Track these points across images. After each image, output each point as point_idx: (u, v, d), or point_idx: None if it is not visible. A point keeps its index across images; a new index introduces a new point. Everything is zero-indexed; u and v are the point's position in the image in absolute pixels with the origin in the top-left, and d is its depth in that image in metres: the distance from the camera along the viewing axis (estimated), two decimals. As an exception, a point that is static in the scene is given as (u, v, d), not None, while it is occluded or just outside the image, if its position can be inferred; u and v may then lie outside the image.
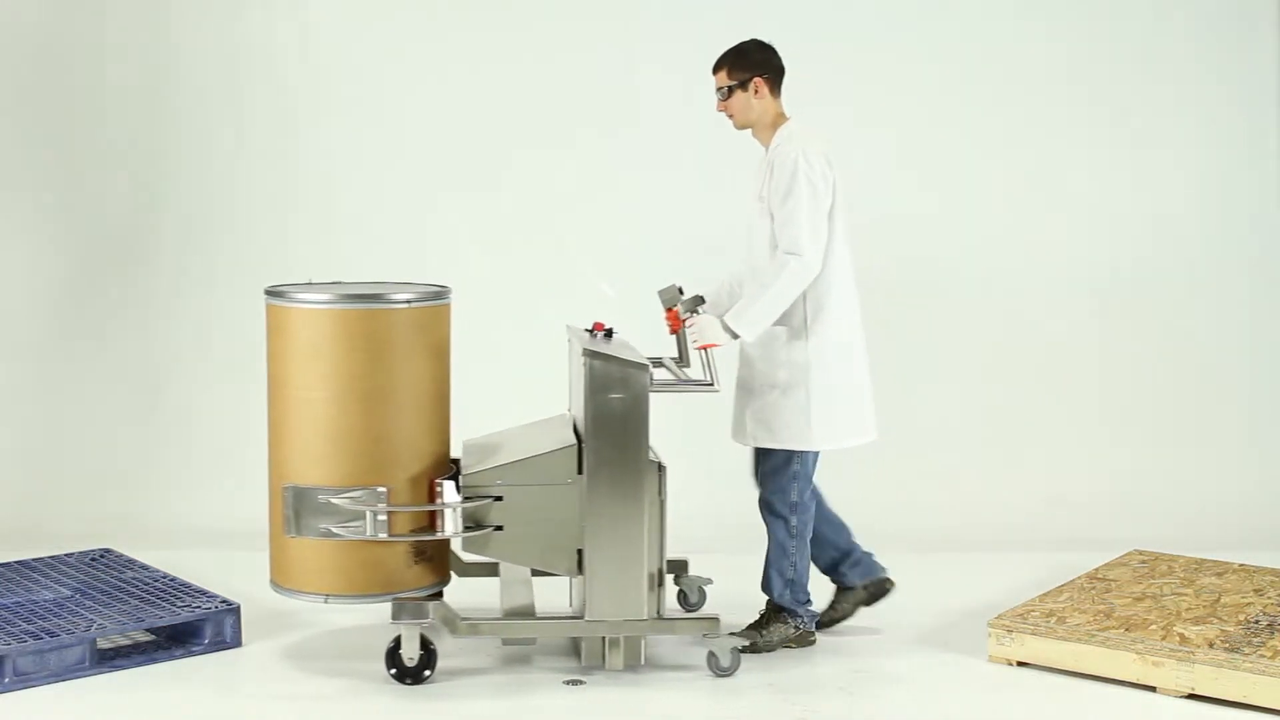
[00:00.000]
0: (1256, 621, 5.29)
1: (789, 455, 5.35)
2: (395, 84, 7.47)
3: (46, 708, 4.94)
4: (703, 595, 5.94)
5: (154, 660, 5.32)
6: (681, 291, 5.34)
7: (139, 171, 7.48)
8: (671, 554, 5.94)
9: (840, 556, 5.63)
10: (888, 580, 5.66)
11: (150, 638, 5.49)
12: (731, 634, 5.42)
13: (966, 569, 6.54)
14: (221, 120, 7.49)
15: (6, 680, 5.04)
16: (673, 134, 7.42)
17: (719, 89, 5.41)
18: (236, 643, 5.48)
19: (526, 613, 5.22)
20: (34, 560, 6.17)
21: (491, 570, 5.69)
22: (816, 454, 5.42)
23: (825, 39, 7.41)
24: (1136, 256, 7.49)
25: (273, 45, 7.48)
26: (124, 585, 5.80)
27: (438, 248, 7.41)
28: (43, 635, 5.18)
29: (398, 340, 5.10)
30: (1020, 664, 5.29)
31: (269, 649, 5.44)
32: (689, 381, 5.30)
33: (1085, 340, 7.48)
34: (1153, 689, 5.01)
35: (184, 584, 5.78)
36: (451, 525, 5.06)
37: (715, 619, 5.20)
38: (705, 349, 5.22)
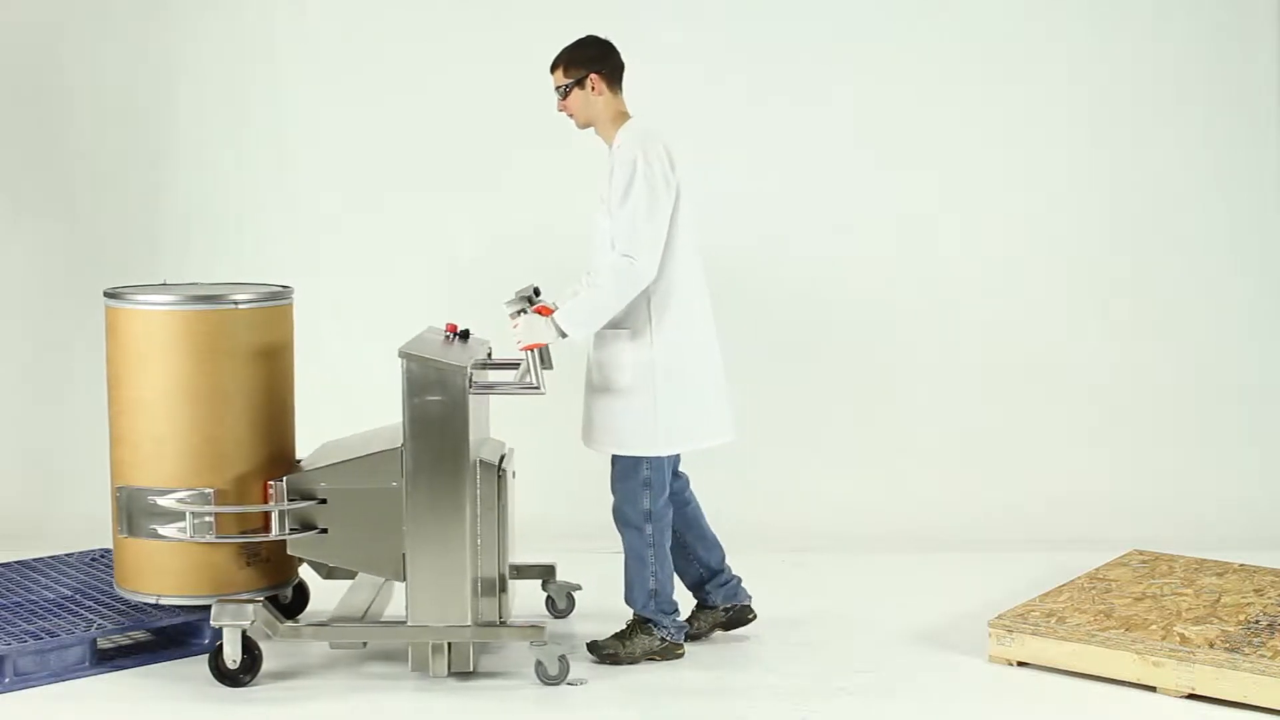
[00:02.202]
0: (1256, 621, 5.29)
1: (637, 460, 5.25)
2: (390, 84, 7.47)
3: (46, 708, 4.95)
4: (571, 601, 5.87)
5: (154, 660, 5.31)
6: (538, 292, 5.23)
7: (139, 171, 7.48)
8: (544, 558, 5.91)
9: (709, 575, 5.56)
10: (750, 610, 5.58)
11: (150, 638, 5.49)
12: (595, 642, 5.37)
13: (966, 569, 6.54)
14: (222, 121, 7.50)
15: (7, 680, 5.04)
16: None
17: (556, 88, 5.32)
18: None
19: (355, 617, 5.16)
20: (34, 560, 6.17)
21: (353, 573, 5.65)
22: (670, 460, 5.33)
23: (824, 38, 7.42)
24: (1136, 256, 7.48)
25: (273, 45, 7.49)
26: (124, 585, 5.80)
27: (432, 246, 7.42)
28: (43, 635, 5.19)
29: (226, 341, 5.12)
30: (1020, 664, 5.29)
31: (269, 649, 5.43)
32: (511, 384, 5.22)
33: (1085, 340, 7.47)
34: (1153, 689, 5.01)
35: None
36: (276, 527, 5.06)
37: (540, 627, 5.10)
38: (531, 349, 5.11)
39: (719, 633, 5.61)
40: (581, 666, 5.29)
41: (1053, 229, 7.48)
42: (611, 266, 5.09)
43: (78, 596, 5.65)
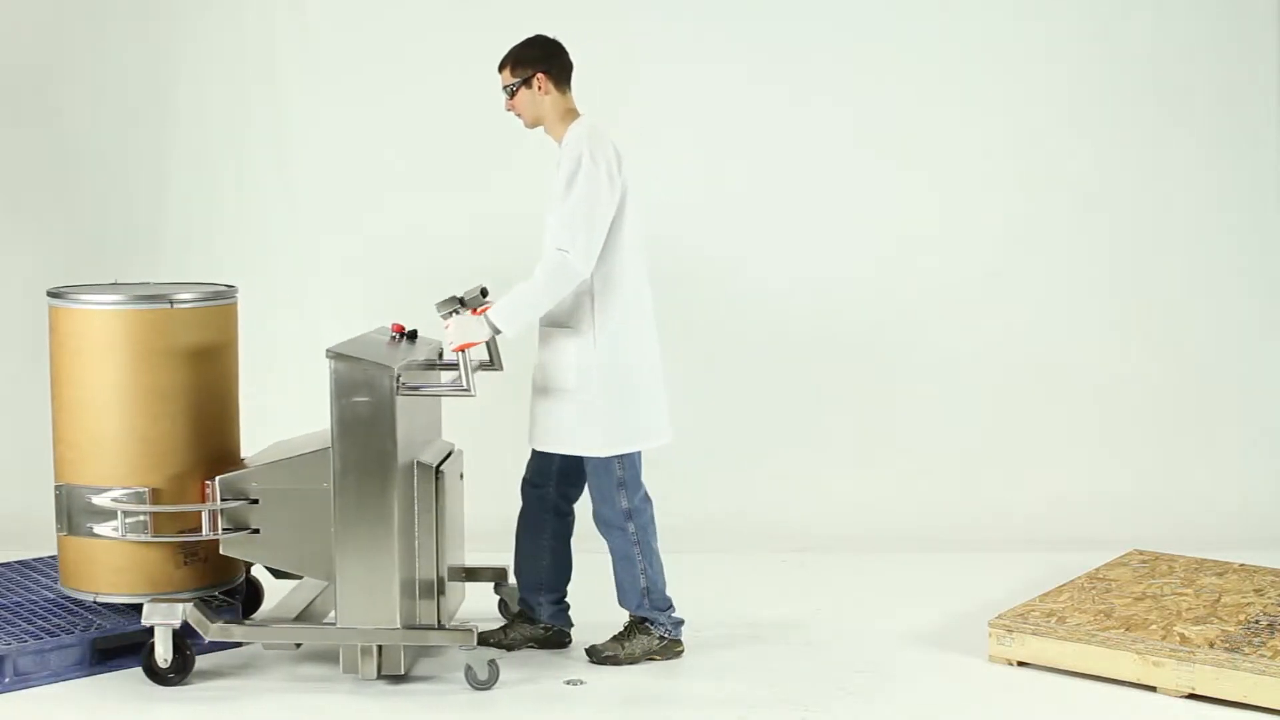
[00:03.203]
0: (1256, 621, 5.29)
1: (608, 462, 5.24)
2: (390, 83, 7.47)
3: (46, 707, 4.95)
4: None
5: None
6: (485, 293, 5.17)
7: (138, 171, 7.48)
8: (493, 560, 5.82)
9: (547, 590, 5.48)
10: (568, 638, 5.51)
11: (150, 638, 5.47)
12: (594, 647, 5.35)
13: (966, 569, 6.54)
14: (221, 120, 7.50)
15: (7, 680, 5.04)
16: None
17: (504, 88, 5.30)
18: (236, 643, 5.47)
19: (288, 618, 5.13)
20: (34, 560, 6.17)
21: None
22: (636, 456, 5.31)
23: (827, 38, 7.41)
24: (1136, 256, 7.48)
25: (273, 45, 7.49)
26: (124, 585, 5.79)
27: (433, 246, 7.42)
28: (42, 635, 5.19)
29: (162, 341, 5.13)
30: (1020, 664, 5.29)
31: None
32: (441, 385, 5.17)
33: (1085, 340, 7.47)
34: (1153, 689, 5.01)
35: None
36: (207, 527, 5.06)
37: (470, 631, 5.06)
38: (463, 349, 5.04)
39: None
40: (580, 668, 5.29)
41: (1053, 229, 7.48)
42: (545, 261, 5.07)
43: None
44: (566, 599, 5.52)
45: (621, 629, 5.39)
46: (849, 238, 7.45)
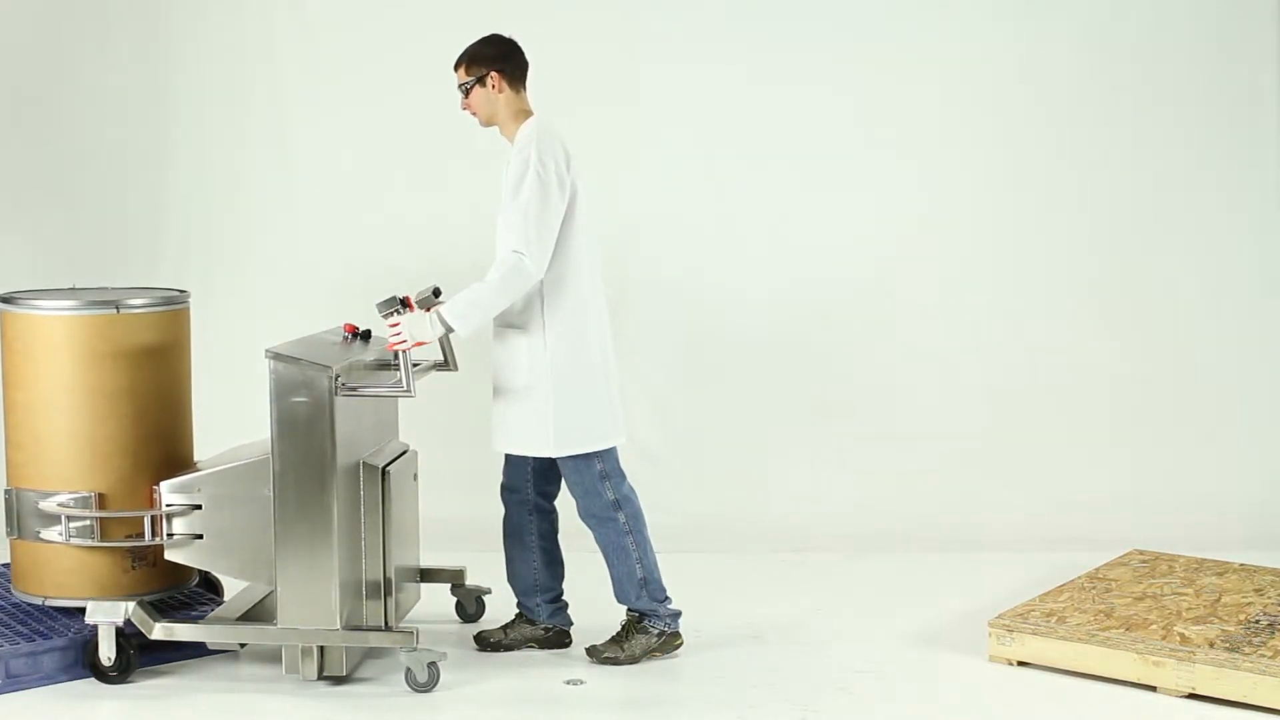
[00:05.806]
0: (1257, 621, 5.28)
1: (588, 458, 5.23)
2: (391, 83, 7.46)
3: (41, 710, 4.93)
4: (481, 605, 5.80)
5: (146, 663, 5.27)
6: (437, 293, 5.15)
7: (139, 171, 7.47)
8: (450, 561, 5.82)
9: (542, 591, 5.47)
10: (569, 637, 5.49)
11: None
12: (593, 647, 5.33)
13: (966, 569, 6.53)
14: (221, 120, 7.49)
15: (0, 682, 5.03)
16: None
17: (459, 86, 5.30)
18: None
19: (231, 618, 5.12)
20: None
21: None
22: (613, 447, 5.30)
23: (825, 34, 7.40)
24: (1136, 256, 7.46)
25: (273, 45, 7.48)
26: (121, 586, 5.77)
27: (434, 246, 7.41)
28: (35, 637, 5.18)
29: (108, 346, 5.14)
30: (1020, 664, 5.28)
31: (268, 650, 5.41)
32: (381, 385, 5.15)
33: (1086, 340, 7.45)
34: (1153, 689, 5.00)
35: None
36: (149, 532, 5.05)
37: (410, 633, 5.03)
38: (405, 351, 4.99)
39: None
40: (580, 668, 5.28)
41: (1053, 229, 7.46)
42: (501, 262, 5.07)
43: (71, 597, 5.63)
44: (564, 598, 5.51)
45: (619, 629, 5.37)
46: (849, 237, 7.44)
